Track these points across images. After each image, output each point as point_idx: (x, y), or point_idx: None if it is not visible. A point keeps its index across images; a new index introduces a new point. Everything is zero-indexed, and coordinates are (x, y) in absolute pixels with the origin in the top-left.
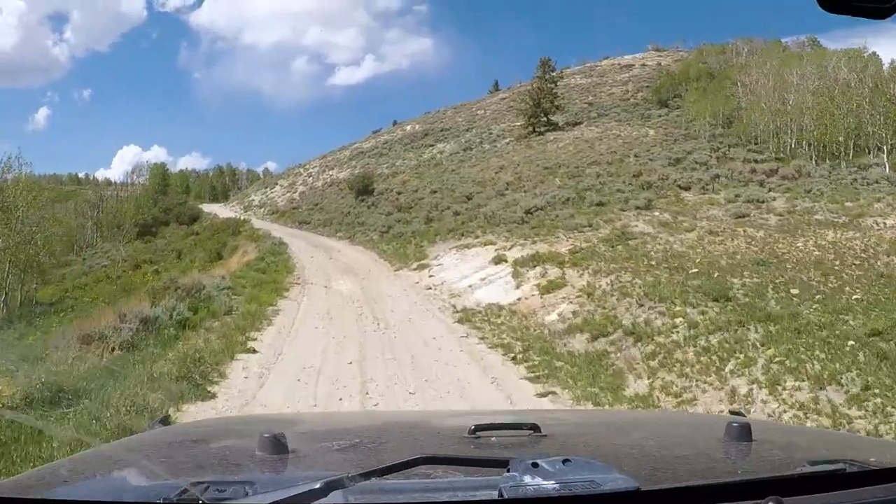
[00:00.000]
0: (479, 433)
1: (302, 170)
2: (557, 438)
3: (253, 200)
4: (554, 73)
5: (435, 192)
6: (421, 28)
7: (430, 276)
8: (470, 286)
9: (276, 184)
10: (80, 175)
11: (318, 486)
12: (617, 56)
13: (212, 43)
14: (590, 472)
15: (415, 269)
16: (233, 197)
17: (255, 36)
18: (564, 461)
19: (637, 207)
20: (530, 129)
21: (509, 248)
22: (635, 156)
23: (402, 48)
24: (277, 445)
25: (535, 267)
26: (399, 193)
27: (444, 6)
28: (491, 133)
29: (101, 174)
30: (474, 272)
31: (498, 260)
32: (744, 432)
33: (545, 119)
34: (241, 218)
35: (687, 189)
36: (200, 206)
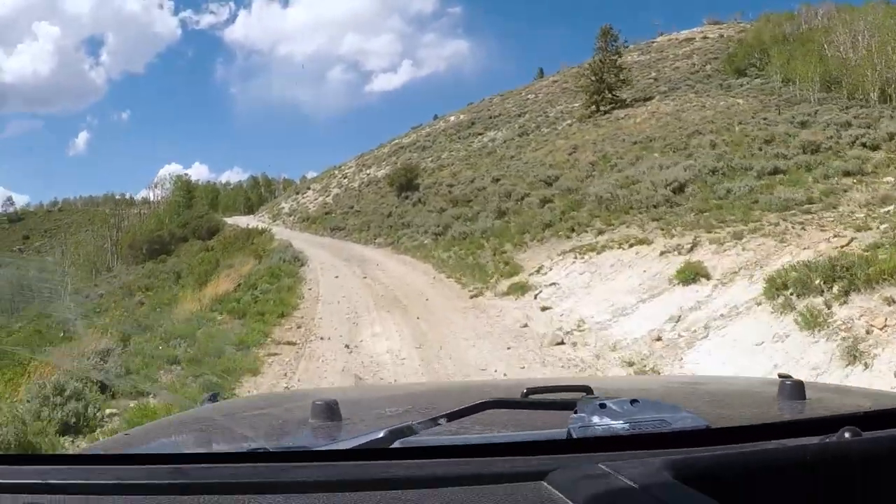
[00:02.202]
0: (531, 396)
1: (337, 171)
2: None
3: (283, 208)
4: (617, 44)
5: (498, 179)
6: (456, 30)
7: (543, 307)
8: (656, 334)
9: (309, 188)
10: (118, 196)
11: (381, 434)
12: (671, 32)
13: (247, 57)
14: (658, 412)
15: (508, 294)
16: (263, 207)
17: (290, 48)
18: (632, 402)
19: (847, 172)
20: (593, 107)
21: (689, 248)
22: (740, 123)
23: (439, 51)
24: (331, 412)
25: (845, 296)
26: (450, 186)
27: (478, 6)
28: (547, 116)
29: (143, 194)
30: (637, 298)
31: (689, 273)
32: (797, 390)
33: (610, 95)
34: (259, 228)
35: (874, 149)
36: (226, 218)
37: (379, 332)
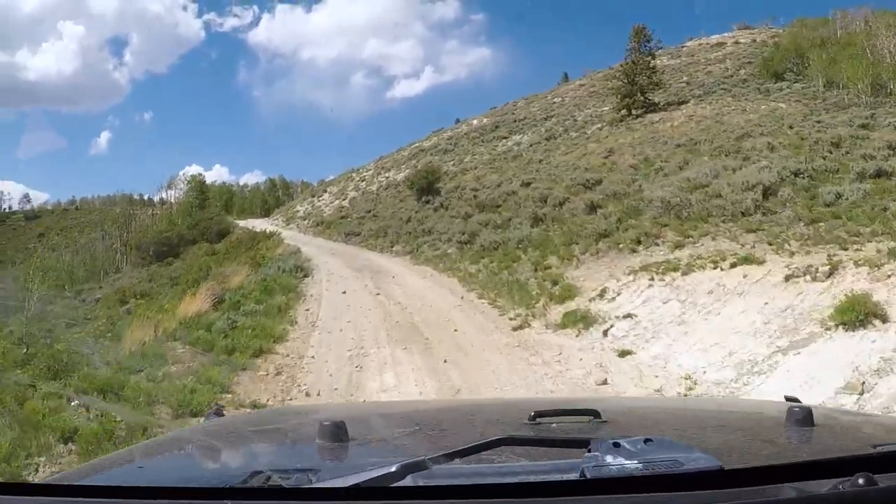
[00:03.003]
0: (539, 420)
1: (355, 174)
2: (619, 425)
3: (297, 211)
4: (650, 44)
5: (528, 183)
6: (478, 37)
7: (622, 350)
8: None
9: (325, 191)
10: (136, 196)
11: (394, 469)
12: (700, 37)
13: (270, 61)
14: (672, 452)
15: (564, 327)
16: (278, 209)
17: (313, 52)
18: (646, 441)
19: None
20: (624, 110)
21: (828, 273)
22: (790, 126)
23: (461, 58)
24: (338, 433)
25: None
26: (475, 190)
27: (500, 14)
28: (575, 120)
29: (162, 195)
30: (771, 344)
31: (855, 312)
32: (805, 417)
33: (642, 98)
34: (267, 232)
35: None
36: (239, 221)
37: (391, 386)
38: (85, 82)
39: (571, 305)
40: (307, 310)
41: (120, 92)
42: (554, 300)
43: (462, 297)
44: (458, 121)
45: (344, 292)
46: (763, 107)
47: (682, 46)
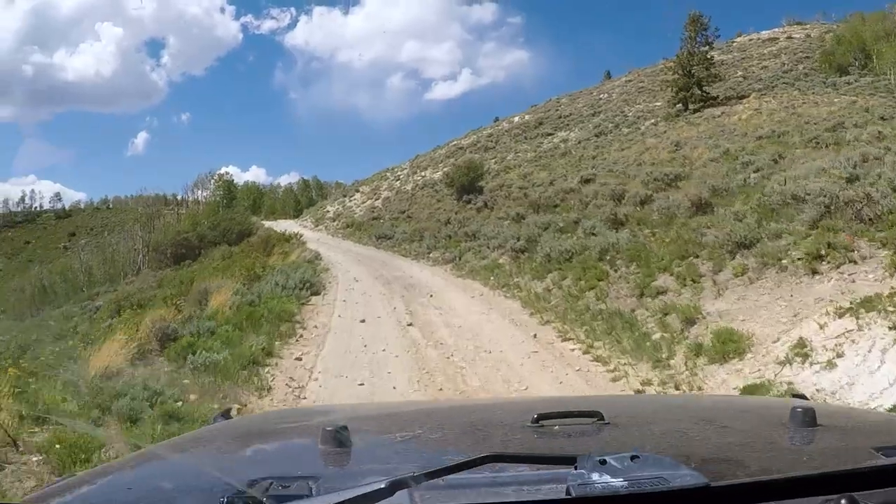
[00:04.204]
0: (542, 422)
1: (389, 173)
2: (621, 428)
3: (327, 212)
4: (707, 34)
5: (588, 180)
6: (516, 39)
7: None
8: None
9: (357, 191)
10: (169, 196)
11: (383, 485)
12: (748, 32)
13: (307, 63)
14: (658, 469)
15: None
16: (308, 210)
17: (350, 54)
18: (633, 457)
19: None
20: (680, 105)
21: None
22: (881, 118)
23: (498, 60)
24: (340, 439)
25: None
26: (522, 189)
27: (538, 17)
28: (626, 116)
29: (192, 194)
30: None
31: None
32: (809, 417)
33: (699, 92)
34: (287, 233)
35: None
36: (266, 221)
37: None
38: (123, 83)
39: (744, 370)
40: (299, 358)
41: (157, 93)
42: (704, 356)
43: (535, 336)
44: (497, 119)
45: (363, 321)
46: (836, 100)
47: (732, 42)
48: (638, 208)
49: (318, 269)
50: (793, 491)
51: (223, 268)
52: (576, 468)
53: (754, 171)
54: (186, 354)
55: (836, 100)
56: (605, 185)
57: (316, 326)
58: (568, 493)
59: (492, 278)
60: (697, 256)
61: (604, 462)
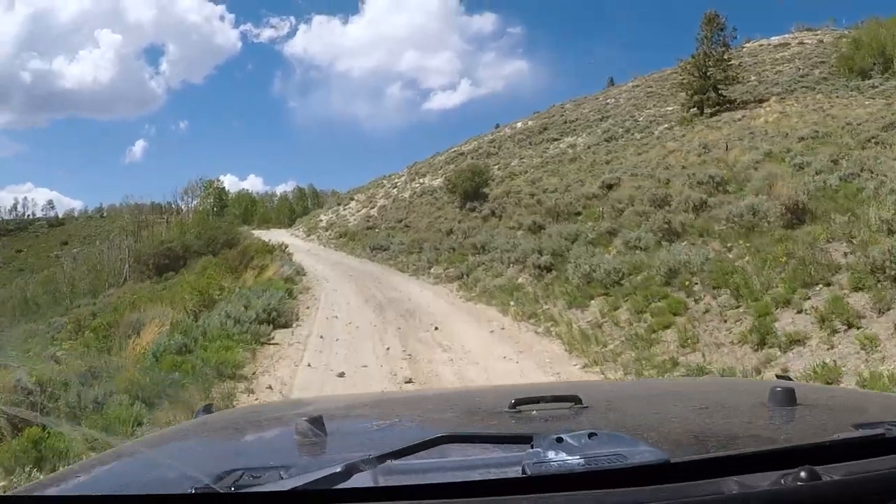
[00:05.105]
0: (519, 407)
1: (385, 181)
2: (598, 410)
3: (320, 221)
4: (724, 34)
5: (611, 186)
6: (516, 50)
7: None
8: None
9: (352, 199)
10: (164, 204)
11: (338, 469)
12: (755, 39)
13: (306, 72)
14: (616, 446)
15: None
16: (301, 219)
17: (349, 63)
18: (590, 435)
19: None
20: (695, 109)
21: None
22: None
23: (498, 70)
24: (315, 429)
25: None
26: (533, 196)
27: (538, 27)
28: (636, 121)
29: (180, 202)
30: None
31: None
32: (788, 397)
33: (715, 95)
34: (270, 244)
35: None
36: (257, 230)
37: None
38: (121, 90)
39: None
40: None
41: (156, 101)
42: None
43: None
44: (497, 125)
45: (341, 375)
46: (867, 102)
47: (742, 47)
48: (692, 215)
49: (295, 290)
50: (752, 467)
51: (142, 299)
52: (532, 447)
53: (816, 173)
54: (24, 463)
55: (866, 102)
56: (639, 188)
57: (270, 387)
58: (524, 472)
59: (512, 303)
60: (829, 284)
61: (560, 440)
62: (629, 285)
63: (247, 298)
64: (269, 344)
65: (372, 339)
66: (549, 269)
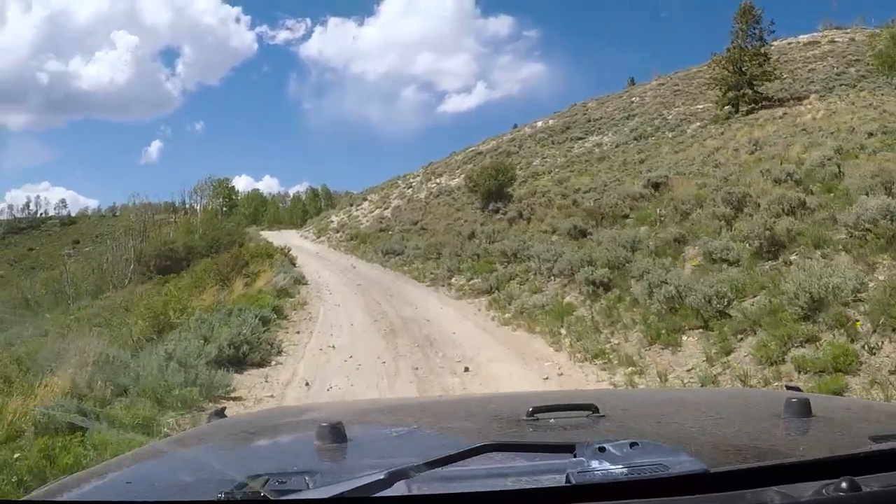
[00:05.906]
0: (537, 415)
1: (400, 181)
2: (617, 420)
3: (331, 222)
4: (759, 27)
5: (658, 185)
6: (532, 53)
7: None
8: None
9: (365, 199)
10: (177, 204)
11: (382, 476)
12: (782, 37)
13: (321, 74)
14: (658, 456)
15: None
16: (311, 220)
17: (364, 65)
18: (632, 444)
19: None
20: (730, 106)
21: None
22: None
23: (514, 73)
24: (336, 435)
25: None
26: (565, 196)
27: (555, 30)
28: (666, 119)
29: (188, 201)
30: None
31: None
32: (804, 408)
33: (751, 91)
34: (272, 247)
35: None
36: (263, 231)
37: None
38: (137, 92)
39: None
40: None
41: (172, 102)
42: None
43: None
44: (516, 126)
45: None
46: None
47: (770, 45)
48: (796, 217)
49: (288, 306)
50: (791, 476)
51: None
52: (574, 456)
53: None
54: None
55: None
56: (703, 186)
57: None
58: (567, 480)
59: (563, 332)
60: None
61: (603, 450)
62: (742, 317)
63: (210, 327)
64: (228, 399)
65: (378, 389)
66: (606, 287)
